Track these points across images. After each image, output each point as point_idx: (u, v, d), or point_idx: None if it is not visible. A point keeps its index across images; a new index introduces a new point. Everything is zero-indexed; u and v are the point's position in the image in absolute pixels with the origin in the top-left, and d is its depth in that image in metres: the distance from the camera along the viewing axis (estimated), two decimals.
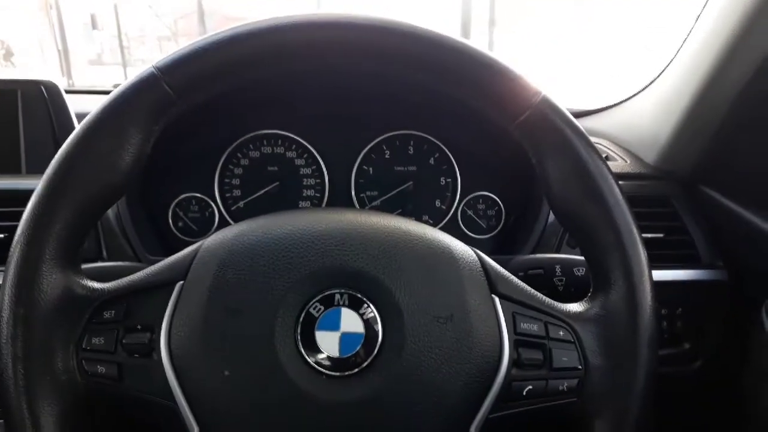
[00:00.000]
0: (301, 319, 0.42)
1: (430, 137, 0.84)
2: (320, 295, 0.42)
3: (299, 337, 0.41)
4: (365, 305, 0.42)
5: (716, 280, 0.76)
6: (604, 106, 1.02)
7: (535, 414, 0.45)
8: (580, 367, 0.45)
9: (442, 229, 0.49)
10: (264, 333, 0.41)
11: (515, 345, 0.44)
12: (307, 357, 0.41)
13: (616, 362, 0.45)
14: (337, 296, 0.42)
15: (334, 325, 0.41)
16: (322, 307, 0.42)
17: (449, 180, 0.85)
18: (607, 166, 0.46)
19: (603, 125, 0.98)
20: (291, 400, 0.40)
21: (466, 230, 0.85)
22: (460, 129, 0.84)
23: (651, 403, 0.45)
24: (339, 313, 0.42)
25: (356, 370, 0.41)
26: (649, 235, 0.76)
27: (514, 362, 0.44)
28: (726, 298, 0.76)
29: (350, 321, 0.42)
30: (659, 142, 0.82)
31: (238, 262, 0.43)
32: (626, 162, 0.85)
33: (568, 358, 0.45)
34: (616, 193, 0.45)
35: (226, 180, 0.83)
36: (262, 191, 0.83)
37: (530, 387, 0.44)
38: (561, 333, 0.45)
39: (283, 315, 0.41)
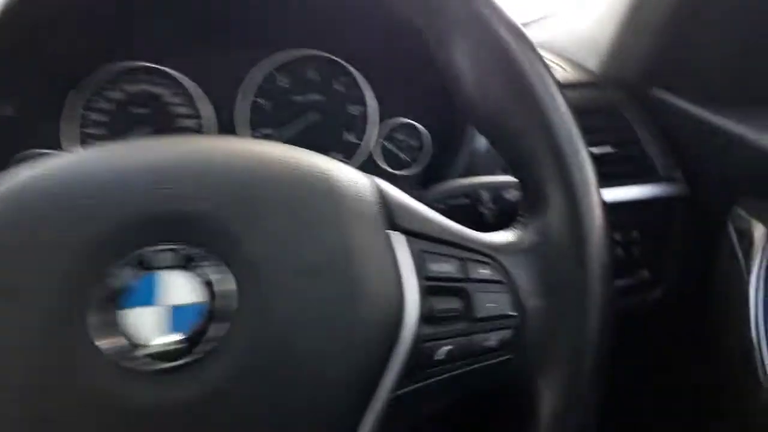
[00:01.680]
0: (104, 294, 0.28)
1: (334, 57, 0.70)
2: (129, 257, 0.29)
3: (101, 321, 0.28)
4: (202, 265, 0.29)
5: (675, 195, 0.67)
6: (539, 17, 0.91)
7: (459, 382, 0.34)
8: (513, 313, 0.34)
9: (359, 167, 0.37)
10: (48, 319, 0.27)
11: (424, 293, 0.32)
12: (109, 347, 0.28)
13: (559, 303, 0.34)
14: (158, 255, 0.29)
15: (150, 298, 0.28)
16: (134, 274, 0.28)
17: (361, 108, 0.71)
18: (540, 57, 0.35)
19: (537, 35, 0.86)
20: (94, 409, 0.27)
21: (385, 166, 0.72)
22: (369, 45, 0.69)
23: (607, 353, 0.35)
24: (158, 281, 0.28)
25: (189, 359, 0.28)
26: (596, 150, 0.65)
27: (423, 317, 0.32)
28: (686, 215, 0.67)
29: (177, 290, 0.28)
30: (601, 44, 0.71)
31: (12, 222, 0.29)
32: (565, 70, 0.74)
33: (497, 304, 0.34)
34: (549, 87, 0.35)
35: (85, 130, 0.66)
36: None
37: (449, 347, 0.33)
38: (484, 271, 0.34)
39: (76, 291, 0.28)
